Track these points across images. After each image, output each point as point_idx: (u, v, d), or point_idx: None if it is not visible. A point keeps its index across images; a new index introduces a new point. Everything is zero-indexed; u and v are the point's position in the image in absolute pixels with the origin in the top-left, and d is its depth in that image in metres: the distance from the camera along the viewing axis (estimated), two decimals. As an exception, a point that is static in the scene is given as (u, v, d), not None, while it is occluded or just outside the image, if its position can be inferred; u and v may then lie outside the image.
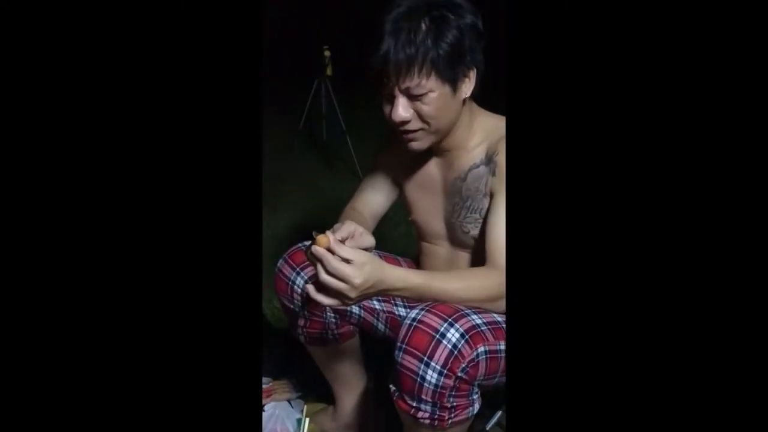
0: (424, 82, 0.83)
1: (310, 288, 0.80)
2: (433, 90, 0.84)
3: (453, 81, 0.85)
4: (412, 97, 0.85)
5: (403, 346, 0.81)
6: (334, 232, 0.87)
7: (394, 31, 0.81)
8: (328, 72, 2.85)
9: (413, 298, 0.85)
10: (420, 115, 0.87)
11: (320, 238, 0.78)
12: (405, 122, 0.87)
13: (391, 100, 0.86)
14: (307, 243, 1.09)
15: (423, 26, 0.82)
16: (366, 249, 0.91)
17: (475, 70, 0.88)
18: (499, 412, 1.16)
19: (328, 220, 1.02)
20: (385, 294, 0.82)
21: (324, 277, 0.76)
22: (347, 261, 0.76)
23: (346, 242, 0.88)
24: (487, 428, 1.15)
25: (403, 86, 0.83)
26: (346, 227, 0.90)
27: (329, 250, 0.77)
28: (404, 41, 0.81)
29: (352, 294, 0.77)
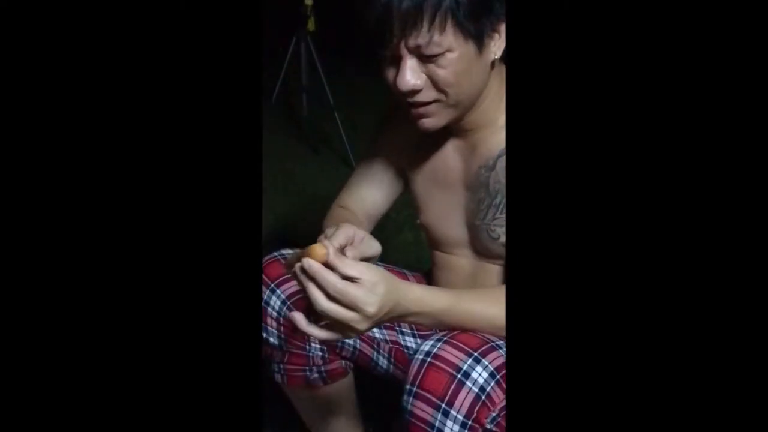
0: (438, 37, 0.80)
1: (298, 318, 0.78)
2: (451, 48, 0.81)
3: (478, 37, 0.83)
4: (424, 58, 0.83)
5: (414, 389, 0.80)
6: (327, 239, 0.85)
7: None
8: (310, 26, 2.84)
9: (430, 325, 0.84)
10: (434, 82, 0.84)
11: (315, 248, 0.75)
12: (414, 91, 0.85)
13: (396, 62, 0.84)
14: (289, 252, 1.08)
15: None
16: (369, 260, 0.90)
17: (505, 24, 0.85)
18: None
19: (311, 221, 1.00)
20: (396, 320, 0.81)
21: (324, 305, 0.73)
22: (352, 280, 0.74)
23: (346, 252, 0.86)
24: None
25: (412, 44, 0.81)
26: (344, 231, 0.88)
27: (326, 265, 0.74)
28: None
29: (363, 326, 0.75)
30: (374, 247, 0.92)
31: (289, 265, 0.79)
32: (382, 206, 1.12)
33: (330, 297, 0.74)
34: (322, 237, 0.87)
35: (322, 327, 0.78)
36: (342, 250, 0.85)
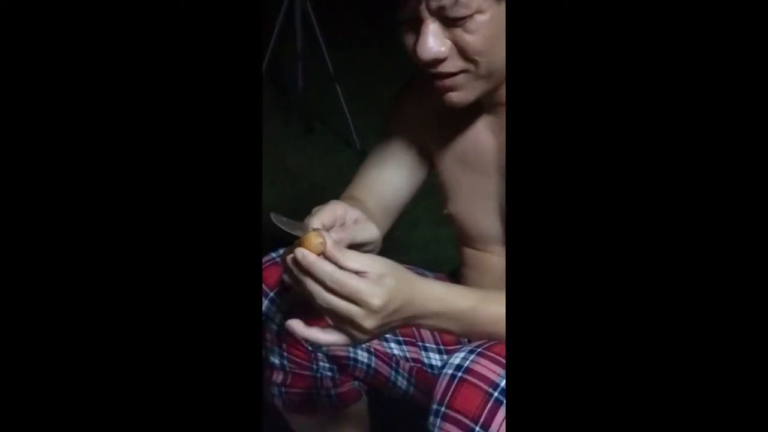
0: None
1: (296, 325, 0.81)
2: (481, 10, 0.84)
3: None
4: (449, 22, 0.85)
5: (443, 409, 0.83)
6: (312, 218, 0.87)
7: None
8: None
9: (454, 332, 0.87)
10: (461, 50, 0.87)
11: (310, 237, 0.78)
12: (438, 60, 0.88)
13: (417, 26, 0.87)
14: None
15: None
16: (364, 246, 0.93)
17: None
18: None
19: (308, 213, 1.00)
20: (413, 324, 0.84)
21: (325, 297, 0.77)
22: (355, 273, 0.78)
23: (331, 233, 0.87)
24: None
25: (434, 4, 0.84)
26: (330, 209, 0.90)
27: (324, 256, 0.77)
28: None
29: (369, 323, 0.78)
30: (369, 230, 0.93)
31: (284, 259, 0.82)
32: (404, 196, 1.13)
33: (328, 289, 0.77)
34: (308, 218, 0.89)
35: (324, 329, 0.81)
36: (328, 232, 0.86)
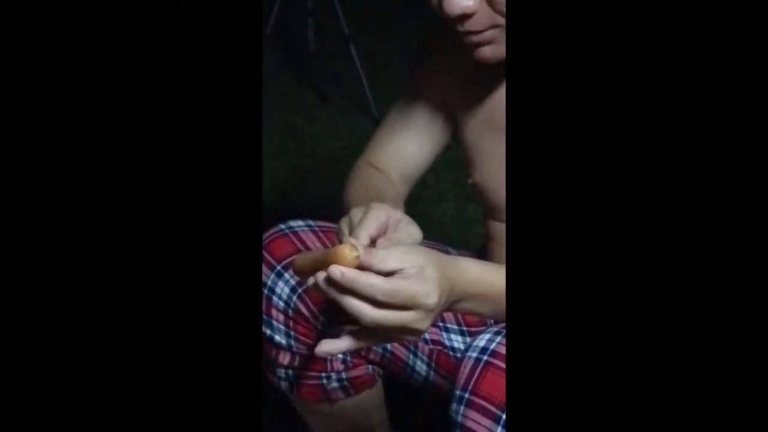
0: None
1: (328, 347, 0.79)
2: None
3: None
4: None
5: (467, 396, 0.84)
6: (353, 226, 0.85)
7: None
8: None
9: (490, 314, 0.88)
10: (491, 2, 0.87)
11: (343, 250, 0.74)
12: (466, 15, 0.88)
13: None
14: (299, 224, 1.11)
15: None
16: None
17: None
18: None
19: (320, 188, 0.99)
20: (455, 308, 0.83)
21: (375, 315, 0.74)
22: (392, 273, 0.74)
23: (378, 244, 0.86)
24: None
25: None
26: (374, 216, 0.87)
27: (359, 268, 0.73)
28: None
29: (425, 324, 0.76)
30: (413, 235, 0.90)
31: (301, 270, 0.80)
32: (424, 161, 1.15)
33: (380, 304, 0.74)
34: (344, 224, 0.87)
35: (360, 333, 0.79)
36: (374, 242, 0.84)
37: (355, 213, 0.89)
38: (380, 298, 0.73)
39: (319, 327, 1.10)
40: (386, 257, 0.75)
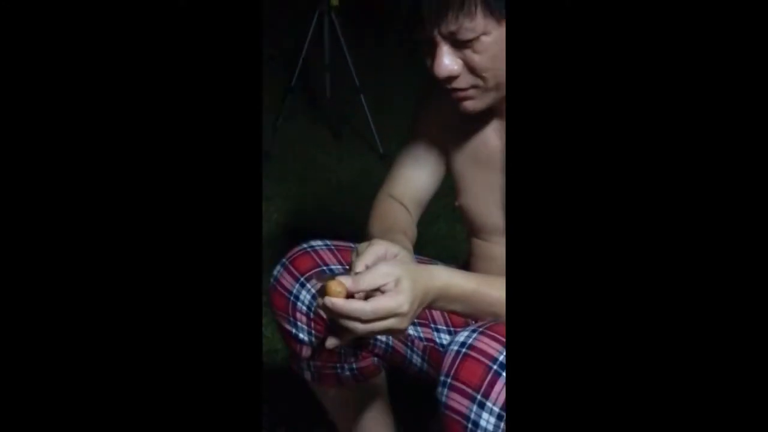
0: (469, 23, 0.86)
1: (334, 341, 0.86)
2: (486, 32, 0.87)
3: None
4: (459, 44, 0.88)
5: (449, 380, 0.84)
6: (357, 257, 0.89)
7: None
8: (334, 1, 2.87)
9: (464, 313, 0.90)
10: (471, 68, 0.90)
11: (332, 285, 0.81)
12: (452, 77, 0.91)
13: (432, 48, 0.90)
14: (318, 243, 1.13)
15: None
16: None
17: None
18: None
19: (334, 212, 1.02)
20: (432, 306, 0.87)
21: (363, 329, 0.81)
22: (375, 292, 0.81)
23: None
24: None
25: (445, 30, 0.87)
26: (374, 251, 0.90)
27: (349, 296, 0.81)
28: None
29: (405, 324, 0.82)
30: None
31: (315, 306, 0.86)
32: (430, 188, 1.17)
33: (365, 321, 0.81)
34: (353, 253, 0.91)
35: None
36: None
37: (362, 245, 0.91)
38: (364, 318, 0.80)
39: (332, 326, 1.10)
40: (367, 279, 0.82)
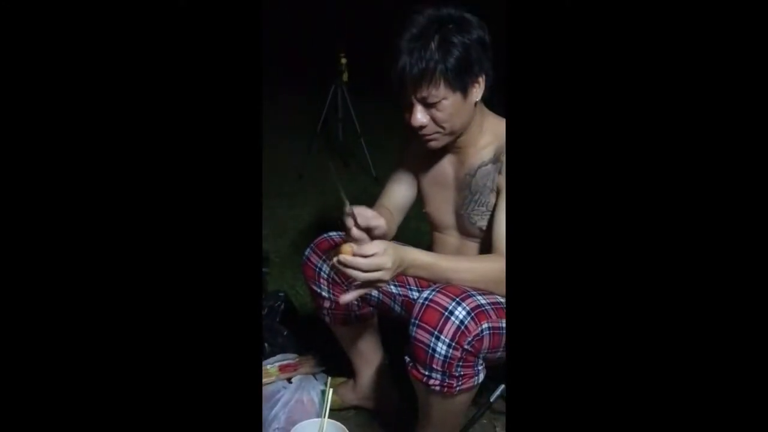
0: (435, 91, 0.89)
1: (346, 296, 0.85)
2: (445, 97, 0.90)
3: (463, 89, 0.91)
4: (428, 105, 0.91)
5: (417, 321, 0.86)
6: (355, 216, 0.91)
7: (409, 50, 0.88)
8: (345, 78, 2.90)
9: (427, 278, 0.90)
10: (435, 120, 0.93)
11: (345, 247, 0.82)
12: (422, 127, 0.94)
13: (411, 107, 0.93)
14: (332, 234, 1.15)
15: (433, 45, 0.88)
16: (376, 231, 0.95)
17: (483, 77, 0.94)
18: (503, 386, 1.22)
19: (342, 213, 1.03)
20: (405, 272, 0.87)
21: (363, 276, 0.82)
22: (371, 255, 0.82)
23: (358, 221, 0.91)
24: (491, 400, 1.20)
25: (419, 96, 0.90)
26: (363, 212, 0.93)
27: (353, 253, 0.82)
28: (417, 58, 0.87)
29: (388, 276, 0.83)
30: (378, 222, 0.94)
31: (331, 264, 0.86)
32: (408, 199, 1.15)
33: (365, 270, 0.81)
34: (350, 223, 0.91)
35: (358, 287, 0.85)
36: (370, 231, 0.91)
37: (352, 208, 0.90)
38: (364, 268, 0.81)
39: (343, 286, 1.12)
40: (367, 247, 0.82)
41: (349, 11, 4.21)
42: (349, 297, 0.86)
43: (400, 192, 1.14)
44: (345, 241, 0.85)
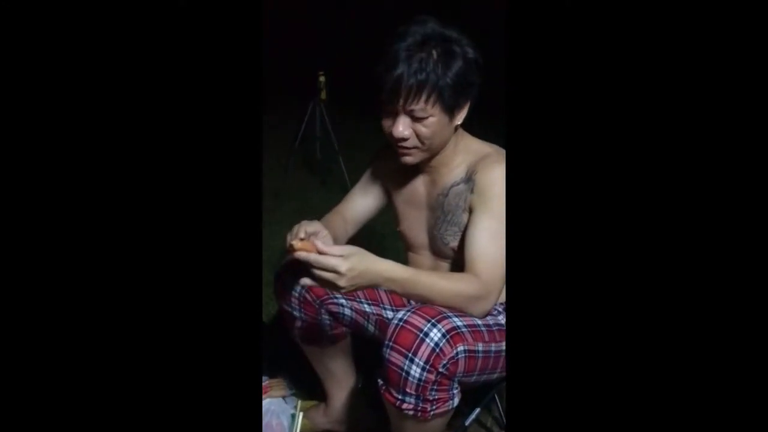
0: (427, 107, 0.86)
1: (304, 281, 0.83)
2: (433, 115, 0.87)
3: (452, 110, 0.89)
4: (414, 119, 0.88)
5: (390, 343, 0.83)
6: (299, 228, 0.88)
7: (407, 57, 0.83)
8: (323, 96, 2.90)
9: (400, 293, 0.87)
10: (418, 135, 0.90)
11: (304, 244, 0.80)
12: (404, 139, 0.90)
13: (394, 117, 0.89)
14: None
15: (434, 55, 0.85)
16: (319, 236, 0.92)
17: (470, 101, 0.92)
18: (478, 409, 1.19)
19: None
20: (376, 285, 0.84)
21: (315, 272, 0.79)
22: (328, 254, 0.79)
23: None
24: (467, 424, 1.17)
25: (408, 108, 0.87)
26: (314, 226, 0.90)
27: (320, 252, 0.79)
28: (416, 68, 0.83)
29: (341, 282, 0.79)
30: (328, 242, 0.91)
31: (289, 248, 0.83)
32: (369, 213, 1.11)
33: (317, 267, 0.78)
34: (295, 227, 0.89)
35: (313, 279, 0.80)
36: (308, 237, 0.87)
37: (305, 222, 0.91)
38: (315, 264, 0.78)
39: (315, 305, 1.08)
40: (334, 248, 0.80)
41: (328, 31, 4.24)
42: (305, 280, 0.83)
43: (361, 203, 1.10)
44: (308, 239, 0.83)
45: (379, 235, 2.14)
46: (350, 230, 1.10)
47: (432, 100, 0.85)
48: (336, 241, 0.98)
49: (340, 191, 2.94)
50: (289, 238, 0.88)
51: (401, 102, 0.86)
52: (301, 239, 0.83)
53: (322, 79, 2.86)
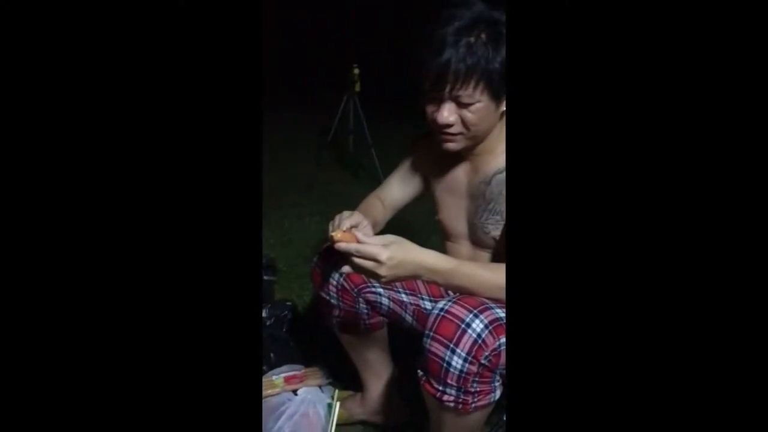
0: (475, 93, 0.83)
1: (345, 268, 0.83)
2: (481, 101, 0.84)
3: (499, 96, 0.85)
4: (460, 104, 0.85)
5: (431, 333, 0.81)
6: (342, 220, 0.88)
7: (455, 42, 0.81)
8: (356, 89, 2.88)
9: (440, 284, 0.85)
10: (463, 121, 0.87)
11: (345, 235, 0.80)
12: (448, 125, 0.87)
13: (438, 102, 0.86)
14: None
15: (482, 39, 0.82)
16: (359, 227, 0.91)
17: None
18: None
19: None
20: (416, 276, 0.82)
21: (355, 260, 0.79)
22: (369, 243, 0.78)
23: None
24: (506, 419, 1.14)
25: (455, 93, 0.84)
26: (355, 218, 0.89)
27: (358, 242, 0.79)
28: (465, 52, 0.80)
29: (382, 270, 0.79)
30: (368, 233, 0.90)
31: (330, 239, 0.82)
32: (406, 198, 1.11)
33: (358, 256, 0.78)
34: (336, 217, 0.89)
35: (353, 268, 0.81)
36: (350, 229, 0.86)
37: (346, 213, 0.90)
38: (354, 252, 0.78)
39: (353, 293, 1.07)
40: (374, 238, 0.80)
41: (361, 24, 4.22)
42: (345, 268, 0.83)
43: (400, 188, 1.09)
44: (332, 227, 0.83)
45: (418, 226, 2.12)
46: (388, 215, 1.10)
47: (481, 86, 0.82)
48: (375, 224, 0.98)
49: (373, 184, 2.95)
50: (330, 228, 0.87)
51: (448, 88, 0.83)
52: (343, 231, 0.82)
53: (355, 71, 2.84)
